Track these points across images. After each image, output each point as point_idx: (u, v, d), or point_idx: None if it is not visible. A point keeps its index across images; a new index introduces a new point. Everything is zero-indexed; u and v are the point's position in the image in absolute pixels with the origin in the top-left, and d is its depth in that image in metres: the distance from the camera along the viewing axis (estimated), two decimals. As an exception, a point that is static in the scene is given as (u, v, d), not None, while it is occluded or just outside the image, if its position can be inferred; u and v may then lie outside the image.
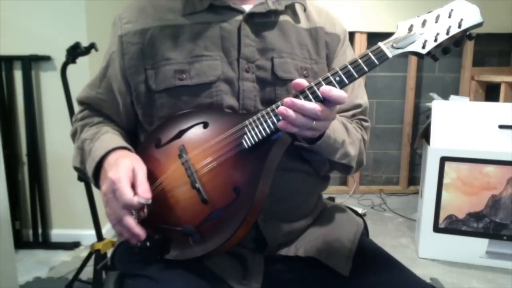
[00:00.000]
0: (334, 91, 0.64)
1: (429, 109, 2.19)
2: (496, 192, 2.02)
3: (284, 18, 0.83)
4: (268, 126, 0.68)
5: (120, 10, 0.85)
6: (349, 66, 0.66)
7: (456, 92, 3.08)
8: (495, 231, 2.04)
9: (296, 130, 0.66)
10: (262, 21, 0.80)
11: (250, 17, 0.80)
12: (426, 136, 2.20)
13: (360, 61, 0.65)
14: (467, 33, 0.64)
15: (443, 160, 2.05)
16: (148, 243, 0.70)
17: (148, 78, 0.79)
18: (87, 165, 0.79)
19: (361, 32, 2.93)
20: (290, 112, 0.64)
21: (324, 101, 0.65)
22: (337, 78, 0.66)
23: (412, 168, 3.25)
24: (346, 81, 0.66)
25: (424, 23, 0.65)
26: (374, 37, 2.96)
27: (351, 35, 2.92)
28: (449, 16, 0.64)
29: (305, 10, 0.86)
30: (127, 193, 0.66)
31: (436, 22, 0.65)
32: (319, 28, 0.85)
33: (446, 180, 2.06)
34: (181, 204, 0.72)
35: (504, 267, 2.04)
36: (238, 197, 0.69)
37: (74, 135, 0.89)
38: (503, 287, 1.92)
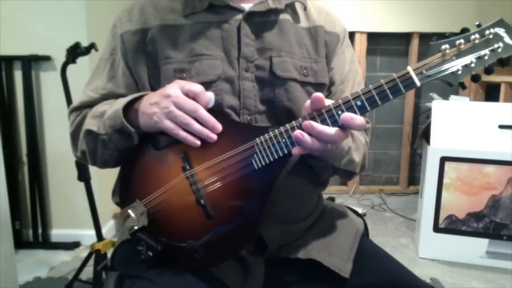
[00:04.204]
0: (357, 121, 0.62)
1: (429, 109, 2.19)
2: (496, 192, 2.02)
3: (284, 16, 0.82)
4: (281, 149, 0.66)
5: (121, 12, 0.84)
6: (373, 91, 0.62)
7: (456, 92, 3.08)
8: (495, 231, 2.04)
9: (309, 152, 0.65)
10: (261, 20, 0.80)
11: (250, 16, 0.79)
12: (426, 136, 2.20)
13: (385, 86, 0.62)
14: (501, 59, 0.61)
15: (443, 160, 2.04)
16: (151, 253, 0.70)
17: (150, 77, 0.79)
18: (112, 113, 0.74)
19: (361, 32, 2.93)
20: (306, 138, 0.63)
21: (342, 126, 0.63)
22: (359, 103, 0.62)
23: (412, 168, 3.25)
24: (368, 108, 0.63)
25: (459, 50, 0.61)
26: (374, 37, 2.97)
27: (351, 35, 2.92)
28: (487, 44, 0.60)
29: (305, 9, 0.86)
30: (197, 85, 0.69)
31: (472, 50, 0.61)
32: (318, 27, 0.85)
33: (446, 180, 2.06)
34: (185, 218, 0.71)
35: (504, 267, 2.04)
36: (244, 216, 0.68)
37: (76, 130, 0.82)
38: (503, 287, 1.92)
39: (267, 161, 0.67)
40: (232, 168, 0.69)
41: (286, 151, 0.66)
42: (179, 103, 0.68)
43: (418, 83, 0.61)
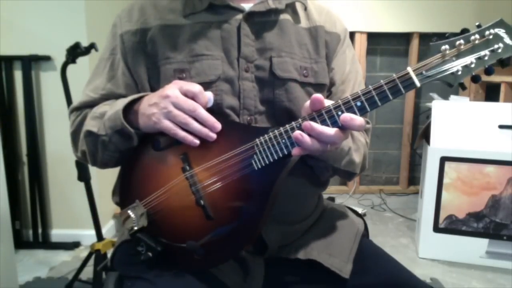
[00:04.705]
0: (356, 121, 0.62)
1: (429, 109, 2.19)
2: (496, 192, 2.02)
3: (284, 17, 0.82)
4: (281, 149, 0.66)
5: (121, 12, 0.84)
6: (373, 92, 0.62)
7: (456, 92, 3.08)
8: (495, 231, 2.04)
9: (309, 153, 0.65)
10: (262, 20, 0.80)
11: (250, 16, 0.79)
12: (426, 136, 2.20)
13: (385, 87, 0.62)
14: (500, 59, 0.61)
15: (443, 160, 2.04)
16: (150, 254, 0.70)
17: (150, 77, 0.79)
18: (112, 114, 0.74)
19: (361, 32, 2.93)
20: (306, 139, 0.63)
21: (342, 126, 0.63)
22: (359, 104, 0.62)
23: (412, 168, 3.25)
24: (368, 109, 0.63)
25: (459, 51, 0.61)
26: (374, 37, 2.96)
27: (351, 35, 2.92)
28: (487, 44, 0.60)
29: (305, 9, 0.85)
30: (195, 85, 0.69)
31: (472, 51, 0.61)
32: (319, 27, 0.85)
33: (446, 180, 2.06)
34: (185, 218, 0.71)
35: (504, 267, 2.04)
36: (243, 217, 0.68)
37: (77, 131, 0.82)
38: (503, 287, 1.92)
39: (267, 162, 0.67)
40: (232, 168, 0.69)
41: (286, 152, 0.66)
42: (178, 103, 0.68)
43: (418, 84, 0.61)
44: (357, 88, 0.88)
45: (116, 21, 0.83)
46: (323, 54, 0.84)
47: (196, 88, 0.69)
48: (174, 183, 0.72)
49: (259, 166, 0.67)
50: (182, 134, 0.69)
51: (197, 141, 0.69)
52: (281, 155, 0.66)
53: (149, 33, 0.79)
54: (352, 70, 0.88)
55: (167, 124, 0.68)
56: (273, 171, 0.67)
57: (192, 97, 0.69)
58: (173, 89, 0.68)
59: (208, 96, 0.71)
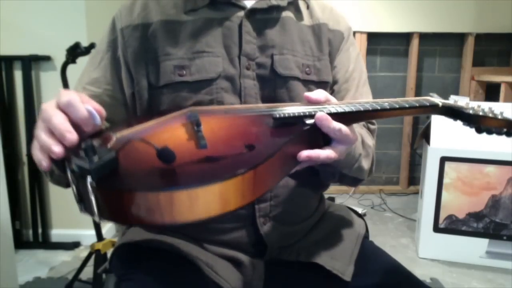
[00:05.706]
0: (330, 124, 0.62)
1: (429, 109, 2.19)
2: (496, 192, 2.02)
3: (286, 14, 0.81)
4: (303, 112, 0.63)
5: (122, 6, 0.82)
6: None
7: (456, 92, 3.08)
8: (495, 231, 2.04)
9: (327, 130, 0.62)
10: (263, 18, 0.79)
11: (252, 13, 0.78)
12: (426, 136, 2.20)
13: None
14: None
15: (443, 160, 2.04)
16: (95, 166, 0.48)
17: (149, 73, 0.77)
18: None
19: (361, 32, 2.93)
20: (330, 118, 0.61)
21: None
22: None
23: (412, 168, 3.25)
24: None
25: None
26: (374, 37, 2.97)
27: (351, 35, 2.91)
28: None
29: (308, 7, 0.85)
30: (68, 95, 0.54)
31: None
32: (322, 25, 0.84)
33: (446, 180, 2.06)
34: (175, 142, 0.57)
35: (504, 267, 2.04)
36: (247, 153, 0.56)
37: None
38: (503, 287, 1.92)
39: (291, 114, 0.63)
40: (246, 113, 0.67)
41: (307, 113, 0.63)
42: (43, 116, 0.58)
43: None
44: (361, 87, 0.87)
45: (116, 14, 0.81)
46: (326, 51, 0.83)
47: (64, 98, 0.55)
48: (172, 115, 0.65)
49: (281, 115, 0.63)
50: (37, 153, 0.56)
51: (45, 164, 0.56)
52: (302, 114, 0.63)
53: (150, 28, 0.77)
54: (356, 69, 0.86)
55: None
56: (286, 132, 0.61)
57: (64, 109, 0.56)
58: (49, 102, 0.57)
59: (88, 109, 0.55)
